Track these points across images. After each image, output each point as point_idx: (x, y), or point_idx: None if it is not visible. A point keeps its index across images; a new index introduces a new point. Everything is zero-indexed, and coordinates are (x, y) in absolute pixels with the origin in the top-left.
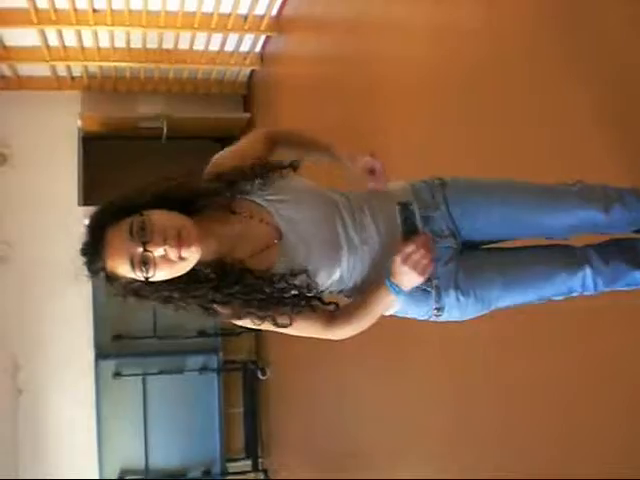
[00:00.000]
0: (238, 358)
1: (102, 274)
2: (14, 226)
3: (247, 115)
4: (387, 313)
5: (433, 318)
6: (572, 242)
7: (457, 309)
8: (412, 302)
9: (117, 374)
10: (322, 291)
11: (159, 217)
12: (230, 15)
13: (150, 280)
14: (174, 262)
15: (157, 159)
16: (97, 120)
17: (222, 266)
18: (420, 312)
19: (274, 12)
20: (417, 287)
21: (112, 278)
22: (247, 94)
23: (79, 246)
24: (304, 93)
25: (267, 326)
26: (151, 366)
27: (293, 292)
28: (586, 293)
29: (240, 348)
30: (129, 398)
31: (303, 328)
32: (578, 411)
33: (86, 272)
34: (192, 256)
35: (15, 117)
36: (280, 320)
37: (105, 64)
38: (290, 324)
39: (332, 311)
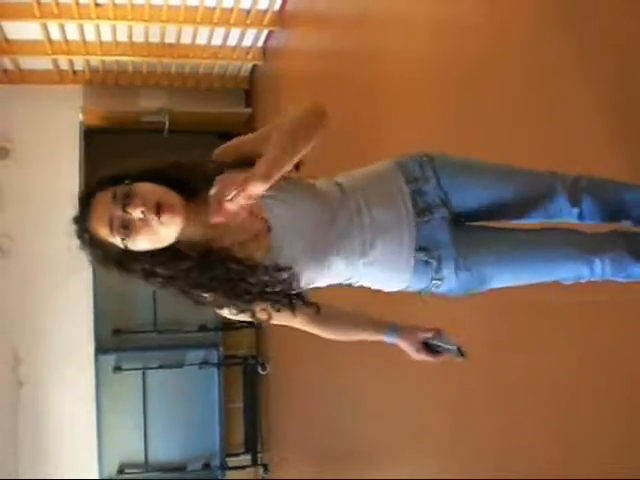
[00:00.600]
0: (238, 353)
1: (86, 237)
2: (16, 219)
3: (249, 110)
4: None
5: (432, 289)
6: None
7: (454, 281)
8: (415, 274)
9: (117, 368)
10: (308, 289)
11: (145, 186)
12: (232, 9)
13: (129, 247)
14: (153, 226)
15: (159, 153)
16: (99, 114)
17: (207, 249)
18: (420, 284)
19: (277, 7)
20: (418, 258)
21: (95, 243)
22: (249, 89)
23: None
24: (306, 88)
25: (245, 317)
26: (151, 360)
27: (276, 288)
28: (593, 279)
29: (240, 343)
30: (129, 392)
31: (284, 320)
32: (578, 409)
33: (77, 240)
34: (171, 222)
35: (17, 111)
36: (259, 314)
37: (107, 58)
38: (268, 319)
39: (314, 309)
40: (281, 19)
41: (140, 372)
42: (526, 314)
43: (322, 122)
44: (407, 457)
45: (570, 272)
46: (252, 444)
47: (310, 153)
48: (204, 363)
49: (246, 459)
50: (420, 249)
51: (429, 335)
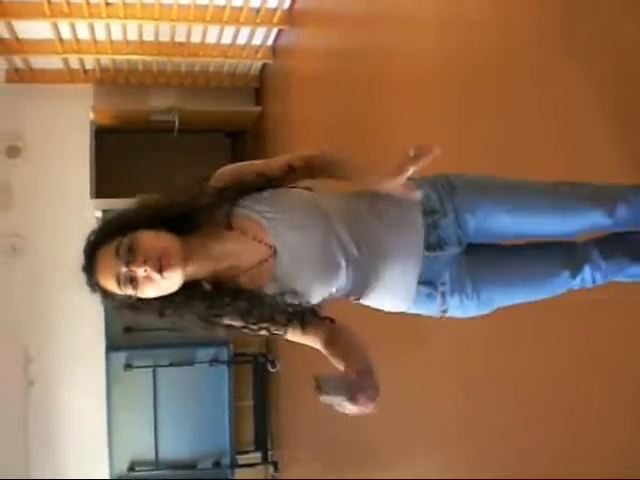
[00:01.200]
0: (248, 351)
1: (97, 289)
2: (27, 218)
3: (259, 108)
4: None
5: (437, 316)
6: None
7: (460, 310)
8: (418, 304)
9: (128, 366)
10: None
11: (145, 238)
12: (242, 8)
13: (139, 297)
14: (156, 282)
15: (169, 152)
16: (109, 113)
17: (215, 284)
18: (425, 311)
19: (286, 5)
20: (423, 292)
21: (106, 295)
22: (259, 87)
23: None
24: (315, 86)
25: (264, 333)
26: (161, 358)
27: (287, 309)
28: (585, 287)
29: (250, 341)
30: (139, 390)
31: (301, 339)
32: (582, 408)
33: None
34: (174, 277)
35: (28, 110)
36: (274, 330)
37: (117, 57)
38: (285, 334)
39: (328, 326)
40: (290, 18)
41: (151, 370)
42: (531, 312)
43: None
44: (415, 457)
45: (562, 284)
46: (262, 442)
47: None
48: (214, 361)
49: (256, 457)
50: (425, 282)
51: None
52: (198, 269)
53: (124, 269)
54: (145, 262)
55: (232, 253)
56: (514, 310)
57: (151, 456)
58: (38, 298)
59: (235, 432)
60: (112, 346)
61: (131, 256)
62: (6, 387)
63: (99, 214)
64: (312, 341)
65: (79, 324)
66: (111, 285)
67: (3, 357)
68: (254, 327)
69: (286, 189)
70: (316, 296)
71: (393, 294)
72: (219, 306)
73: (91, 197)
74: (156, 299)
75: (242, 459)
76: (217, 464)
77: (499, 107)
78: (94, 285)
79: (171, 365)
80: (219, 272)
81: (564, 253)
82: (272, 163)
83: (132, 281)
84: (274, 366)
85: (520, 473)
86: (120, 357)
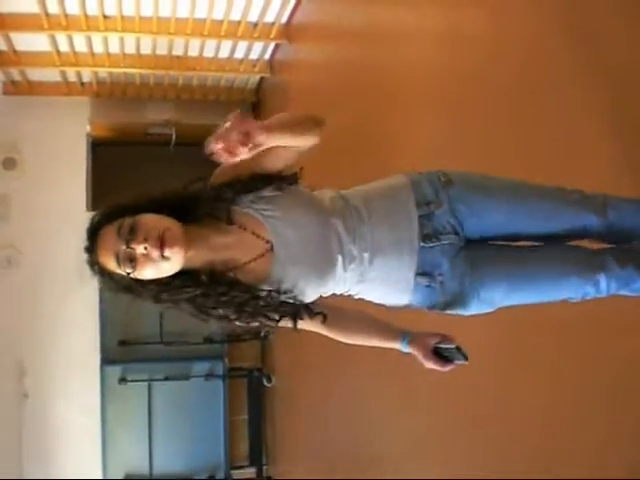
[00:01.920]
0: (244, 365)
1: (96, 268)
2: (23, 230)
3: None
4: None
5: (437, 311)
6: (590, 245)
7: (460, 307)
8: (418, 296)
9: (123, 380)
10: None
11: (147, 219)
12: (240, 22)
13: (136, 277)
14: (156, 261)
15: (165, 165)
16: (106, 126)
17: (212, 274)
18: (426, 305)
19: (284, 20)
20: (422, 283)
21: (105, 273)
22: (256, 101)
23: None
24: (313, 101)
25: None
26: (157, 372)
27: (280, 305)
28: (599, 296)
29: (246, 355)
30: (134, 404)
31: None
32: (587, 421)
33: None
34: (174, 256)
35: (25, 122)
36: (267, 324)
37: (115, 70)
38: (276, 327)
39: (322, 320)
40: (288, 32)
41: (146, 384)
42: (534, 315)
43: (319, 123)
44: (414, 470)
45: (576, 291)
46: (257, 457)
47: (319, 162)
48: (209, 375)
49: (251, 472)
50: (423, 274)
51: (437, 340)
52: (196, 257)
53: (124, 247)
54: (145, 240)
55: (230, 246)
56: (517, 311)
57: (145, 470)
58: (33, 311)
59: (230, 446)
60: (107, 359)
61: (132, 235)
62: (0, 400)
63: (88, 222)
64: (309, 326)
65: (74, 337)
66: (110, 263)
67: None
68: (247, 319)
69: (285, 187)
70: (312, 292)
71: (391, 287)
72: (214, 295)
73: (87, 210)
74: (153, 282)
75: (237, 474)
76: (212, 478)
77: (496, 119)
78: (94, 264)
79: (166, 379)
80: (216, 263)
81: (579, 258)
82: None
83: (131, 260)
84: (269, 380)
85: (523, 474)
86: (115, 371)
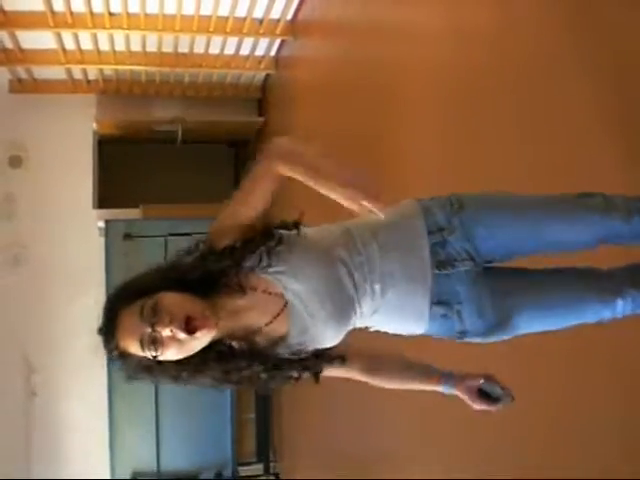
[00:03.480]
0: None
1: (116, 352)
2: (29, 228)
3: (262, 119)
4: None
5: (457, 340)
6: (603, 267)
7: (481, 336)
8: (436, 328)
9: (130, 377)
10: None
11: (170, 299)
12: (245, 19)
13: (159, 359)
14: (182, 342)
15: (172, 163)
16: (112, 123)
17: (230, 346)
18: (440, 334)
19: (289, 16)
20: (436, 312)
21: (125, 357)
22: (262, 98)
23: (97, 326)
24: (318, 97)
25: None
26: None
27: (302, 363)
28: (616, 318)
29: None
30: (142, 401)
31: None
32: (591, 410)
33: (104, 350)
34: (204, 337)
35: (31, 120)
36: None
37: (121, 67)
38: (298, 380)
39: (340, 365)
40: (294, 28)
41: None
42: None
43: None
44: (421, 468)
45: (594, 316)
46: (264, 454)
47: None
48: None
49: (258, 469)
50: (439, 303)
51: (481, 382)
52: (221, 329)
53: (149, 330)
54: (171, 322)
55: (247, 310)
56: None
57: (153, 467)
58: (40, 308)
59: (237, 444)
60: None
61: (156, 317)
62: (8, 398)
63: (102, 224)
64: (341, 373)
65: (81, 334)
66: (133, 347)
67: (5, 368)
68: (269, 382)
69: (287, 238)
70: (334, 334)
71: (406, 318)
72: (235, 370)
73: (94, 207)
74: (173, 363)
75: (244, 471)
76: (219, 475)
77: (500, 117)
78: (112, 349)
79: None
80: (236, 330)
81: (594, 282)
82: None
83: (154, 342)
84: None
85: (527, 475)
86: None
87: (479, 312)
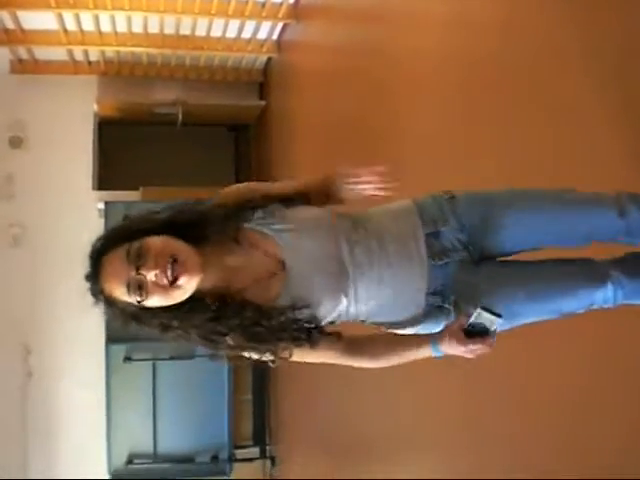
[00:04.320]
0: None
1: (101, 297)
2: (28, 209)
3: (263, 103)
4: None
5: None
6: (594, 256)
7: None
8: (431, 321)
9: (127, 358)
10: (331, 322)
11: (156, 242)
12: (248, 2)
13: (145, 305)
14: (166, 288)
15: (172, 145)
16: (113, 105)
17: (222, 297)
18: (436, 327)
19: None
20: (432, 303)
21: (110, 302)
22: (263, 81)
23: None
24: (320, 81)
25: (267, 358)
26: (161, 351)
27: (293, 326)
28: (606, 306)
29: None
30: (139, 383)
31: (313, 357)
32: (588, 412)
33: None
34: (187, 284)
35: (32, 101)
36: (281, 353)
37: (122, 49)
38: (290, 357)
39: (337, 341)
40: (296, 12)
41: (150, 363)
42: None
43: None
44: (415, 451)
45: (585, 301)
46: (260, 437)
47: (323, 146)
48: (214, 355)
49: (254, 451)
50: (434, 293)
51: (463, 322)
52: (206, 280)
53: (133, 273)
54: (156, 266)
55: (240, 266)
56: None
57: (149, 449)
58: (38, 289)
59: (234, 426)
60: (112, 338)
61: (141, 260)
62: (5, 378)
63: (101, 206)
64: (324, 357)
65: (79, 315)
66: (118, 291)
67: (2, 348)
68: (259, 347)
69: (293, 204)
70: (325, 309)
71: (402, 306)
72: (224, 321)
73: (93, 189)
74: (161, 310)
75: (240, 453)
76: (215, 458)
77: (509, 109)
78: (98, 292)
79: (171, 358)
80: (226, 285)
81: (585, 269)
82: (278, 186)
83: (140, 287)
84: (274, 361)
85: (522, 473)
86: (120, 349)
87: (474, 302)
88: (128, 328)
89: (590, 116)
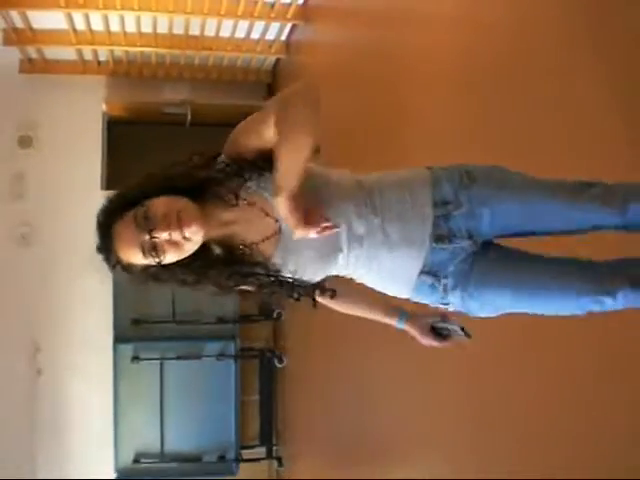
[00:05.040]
0: (255, 345)
1: (119, 267)
2: (37, 208)
3: None
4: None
5: (442, 307)
6: (594, 258)
7: (462, 308)
8: (421, 293)
9: (135, 358)
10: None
11: (160, 203)
12: (257, 2)
13: (163, 264)
14: (179, 243)
15: (180, 145)
16: (122, 105)
17: (228, 252)
18: (428, 301)
19: (301, 0)
20: (426, 282)
21: (129, 268)
22: (272, 82)
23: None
24: (328, 82)
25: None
26: (169, 351)
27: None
28: (604, 310)
29: (258, 335)
30: (146, 382)
31: None
32: (596, 411)
33: (106, 267)
34: (195, 235)
35: (41, 100)
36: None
37: (131, 49)
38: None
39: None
40: (305, 13)
41: (158, 362)
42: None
43: (313, 98)
44: (424, 454)
45: (581, 308)
46: (267, 437)
47: (333, 145)
48: (221, 355)
49: (261, 452)
50: (428, 272)
51: (435, 319)
52: (210, 232)
53: (147, 237)
54: (167, 226)
55: (240, 222)
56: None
57: (156, 449)
58: (47, 288)
59: (240, 426)
60: (120, 338)
61: (151, 223)
62: (14, 376)
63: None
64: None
65: (87, 314)
66: (135, 257)
67: (11, 346)
68: (268, 292)
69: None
70: (317, 274)
71: (393, 280)
72: (240, 274)
73: (102, 189)
74: (176, 266)
75: (247, 454)
76: (222, 458)
77: (517, 107)
78: (115, 263)
79: (178, 358)
80: (228, 240)
81: (583, 271)
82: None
83: (155, 248)
84: (281, 361)
85: (527, 473)
86: (128, 349)
87: (463, 289)
88: (147, 288)
89: (600, 113)
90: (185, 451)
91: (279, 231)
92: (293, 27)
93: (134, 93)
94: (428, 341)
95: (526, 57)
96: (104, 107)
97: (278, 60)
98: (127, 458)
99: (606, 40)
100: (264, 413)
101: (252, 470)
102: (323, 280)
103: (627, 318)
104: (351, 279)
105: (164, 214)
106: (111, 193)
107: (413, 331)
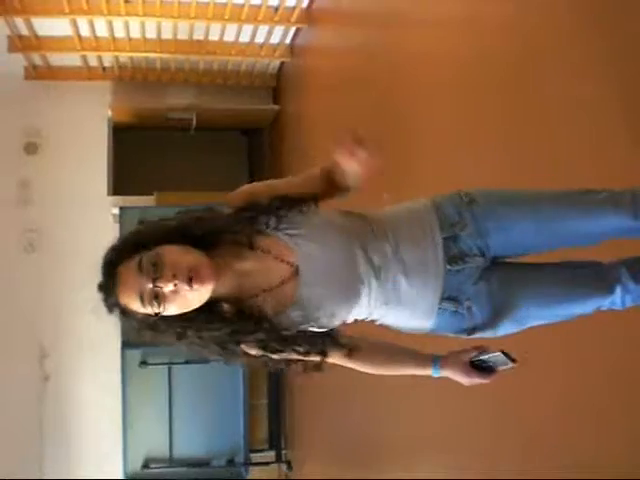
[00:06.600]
0: None
1: (117, 310)
2: (44, 214)
3: (276, 107)
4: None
5: (465, 337)
6: (604, 259)
7: (490, 330)
8: (444, 324)
9: (143, 363)
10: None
11: (170, 252)
12: (260, 7)
13: (162, 315)
14: (183, 295)
15: (186, 150)
16: (127, 110)
17: (237, 304)
18: (452, 331)
19: (305, 4)
20: (449, 309)
21: (127, 314)
22: (276, 86)
23: (96, 282)
24: (333, 86)
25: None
26: (177, 355)
27: (308, 337)
28: (613, 308)
29: None
30: (155, 387)
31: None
32: (601, 415)
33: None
34: (204, 290)
35: (46, 107)
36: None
37: (136, 55)
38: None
39: (347, 353)
40: (309, 16)
41: (166, 367)
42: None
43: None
44: (430, 456)
45: (593, 305)
46: (276, 441)
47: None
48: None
49: (270, 455)
50: (449, 298)
51: (472, 354)
52: (221, 286)
53: (150, 285)
54: (174, 276)
55: (254, 272)
56: None
57: (165, 453)
58: (54, 293)
59: (249, 430)
60: (128, 343)
61: (157, 271)
62: (22, 381)
63: (116, 211)
64: (331, 359)
65: (95, 320)
66: (133, 303)
67: (19, 351)
68: (274, 356)
69: (306, 209)
70: (339, 315)
71: (415, 311)
72: (242, 332)
73: (108, 194)
74: (177, 318)
75: (256, 457)
76: (231, 462)
77: (524, 111)
78: (113, 305)
79: (186, 362)
80: (240, 292)
81: (594, 273)
82: (290, 183)
83: (156, 297)
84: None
85: (531, 474)
86: (136, 354)
87: (488, 307)
88: (144, 337)
89: (607, 116)
90: (194, 455)
91: (296, 274)
92: (297, 31)
93: (139, 99)
94: (473, 380)
95: (535, 59)
96: (109, 113)
97: (282, 64)
98: (136, 463)
99: (617, 42)
100: (273, 417)
101: (261, 474)
102: (338, 335)
103: (634, 317)
104: (363, 339)
105: (173, 264)
106: (125, 233)
107: (453, 374)
